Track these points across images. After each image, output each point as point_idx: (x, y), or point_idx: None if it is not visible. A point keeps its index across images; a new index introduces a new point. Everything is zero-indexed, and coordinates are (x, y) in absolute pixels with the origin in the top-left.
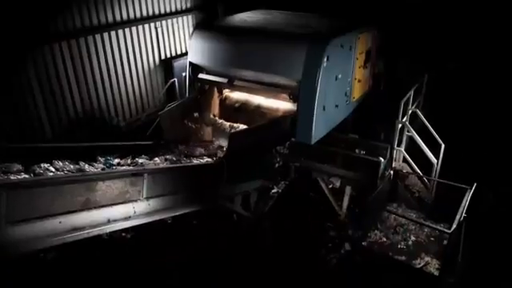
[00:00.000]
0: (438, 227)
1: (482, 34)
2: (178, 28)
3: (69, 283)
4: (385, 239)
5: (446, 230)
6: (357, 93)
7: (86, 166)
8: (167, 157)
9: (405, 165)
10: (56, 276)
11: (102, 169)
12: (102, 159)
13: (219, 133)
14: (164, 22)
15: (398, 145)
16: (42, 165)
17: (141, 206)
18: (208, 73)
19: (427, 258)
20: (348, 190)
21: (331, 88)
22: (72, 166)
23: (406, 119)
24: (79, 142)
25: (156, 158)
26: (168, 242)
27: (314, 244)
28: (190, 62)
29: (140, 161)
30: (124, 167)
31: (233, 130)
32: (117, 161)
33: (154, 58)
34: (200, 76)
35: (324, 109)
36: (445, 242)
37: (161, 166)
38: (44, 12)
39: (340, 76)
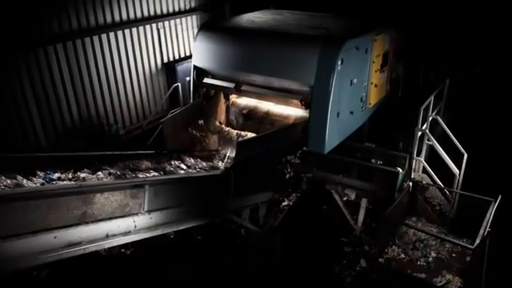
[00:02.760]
0: (461, 243)
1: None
2: (182, 29)
3: None
4: (403, 255)
5: (468, 246)
6: (373, 98)
7: (24, 181)
8: (111, 171)
9: (425, 176)
10: None
11: (42, 184)
12: (41, 173)
13: (226, 141)
14: (167, 23)
15: (418, 154)
16: None
17: (142, 220)
18: (214, 77)
19: (449, 276)
20: (364, 202)
21: (346, 93)
22: (9, 181)
23: (425, 127)
24: (75, 152)
25: (99, 173)
26: (170, 258)
27: (327, 261)
28: (195, 66)
29: (82, 175)
30: (66, 182)
31: (240, 139)
32: (57, 175)
33: (155, 62)
34: (205, 81)
35: (338, 116)
36: (468, 258)
37: (163, 177)
38: (37, 12)
39: (355, 80)
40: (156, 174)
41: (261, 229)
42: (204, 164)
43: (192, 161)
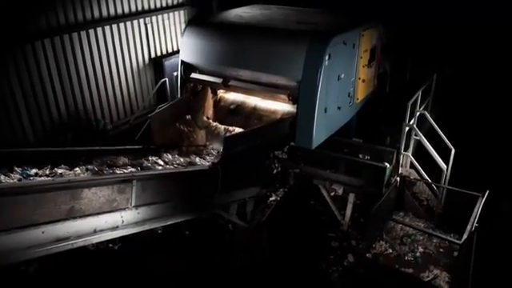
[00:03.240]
0: (448, 238)
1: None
2: (170, 24)
3: None
4: (391, 250)
5: (456, 241)
6: (361, 94)
7: (2, 177)
8: (88, 167)
9: (412, 171)
10: None
11: (19, 180)
12: (18, 169)
13: (213, 136)
14: (154, 18)
15: (405, 149)
16: None
17: (129, 215)
18: (201, 72)
19: (436, 271)
20: (351, 197)
21: (333, 88)
22: None
23: (413, 122)
24: (62, 147)
25: (76, 168)
26: (158, 253)
27: (315, 256)
28: (182, 61)
29: (59, 171)
30: (43, 178)
31: (228, 134)
32: (34, 171)
33: (143, 57)
34: (193, 76)
35: (325, 111)
36: (455, 253)
37: (150, 171)
38: (24, 7)
39: (343, 76)
40: (133, 169)
41: (248, 224)
42: (181, 160)
43: (169, 156)
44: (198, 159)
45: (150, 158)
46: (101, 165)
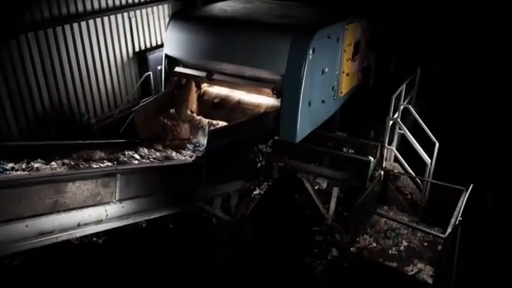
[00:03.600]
0: (432, 231)
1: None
2: (154, 18)
3: None
4: (375, 244)
5: (440, 235)
6: (345, 87)
7: None
8: (65, 161)
9: (396, 165)
10: (22, 284)
11: None
12: None
13: (197, 130)
14: (138, 12)
15: (389, 143)
16: None
17: (113, 209)
18: (185, 66)
19: (420, 265)
20: (335, 191)
21: (317, 82)
22: None
23: (397, 116)
24: (46, 141)
25: (53, 163)
26: (142, 247)
27: (299, 250)
28: (166, 55)
29: (36, 165)
30: (19, 172)
31: (212, 128)
32: (11, 165)
33: (127, 51)
34: (176, 69)
35: (309, 104)
36: (439, 247)
37: (135, 165)
38: (9, 1)
39: (327, 69)
40: (109, 163)
41: (232, 218)
42: (158, 154)
43: (146, 151)
44: (174, 153)
45: (126, 152)
46: (77, 159)
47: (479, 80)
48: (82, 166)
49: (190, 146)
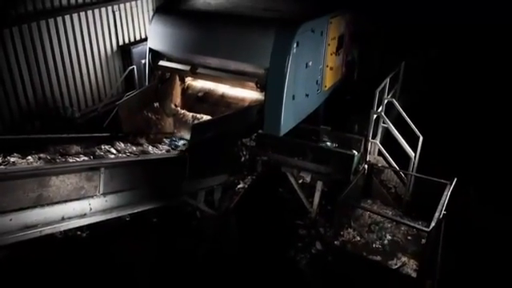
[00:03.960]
0: (416, 225)
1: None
2: (138, 12)
3: (20, 284)
4: (359, 238)
5: (424, 229)
6: (329, 81)
7: None
8: (41, 155)
9: (380, 158)
10: (6, 277)
11: None
12: None
13: (181, 124)
14: (122, 6)
15: (373, 137)
16: None
17: (97, 203)
18: (169, 60)
19: (404, 259)
20: (319, 185)
21: (301, 76)
22: None
23: (381, 109)
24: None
25: (29, 157)
26: (126, 241)
27: (283, 243)
28: (150, 49)
29: (12, 159)
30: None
31: (195, 121)
32: None
33: (111, 44)
34: (160, 63)
35: (293, 98)
36: (423, 241)
37: (119, 159)
38: None
39: (310, 63)
40: (86, 158)
41: (216, 211)
42: (134, 148)
43: (122, 145)
44: (150, 148)
45: (102, 147)
46: (53, 153)
47: (462, 73)
48: (58, 160)
49: (167, 140)
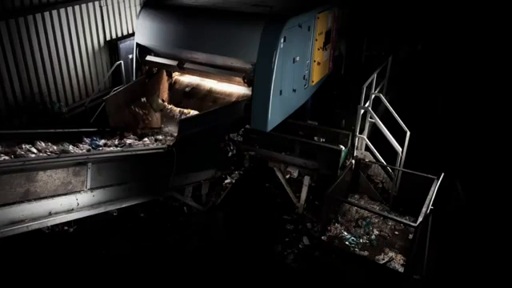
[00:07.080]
0: (403, 220)
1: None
2: (125, 7)
3: (7, 279)
4: (346, 233)
5: (411, 224)
6: (316, 76)
7: None
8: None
9: (367, 153)
10: None
11: None
12: None
13: (168, 119)
14: (109, 1)
15: (360, 132)
16: None
17: (84, 198)
18: (156, 55)
19: (391, 254)
20: (306, 180)
21: (288, 71)
22: None
23: (368, 104)
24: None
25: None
26: (113, 236)
27: (270, 238)
28: (137, 44)
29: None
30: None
31: (183, 116)
32: None
33: (98, 39)
34: (148, 58)
35: (281, 93)
36: (410, 236)
37: (106, 154)
38: None
39: (298, 58)
40: (6, 157)
41: (203, 206)
42: (54, 148)
43: (43, 144)
44: (71, 147)
45: (23, 146)
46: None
47: (449, 68)
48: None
49: (87, 140)
